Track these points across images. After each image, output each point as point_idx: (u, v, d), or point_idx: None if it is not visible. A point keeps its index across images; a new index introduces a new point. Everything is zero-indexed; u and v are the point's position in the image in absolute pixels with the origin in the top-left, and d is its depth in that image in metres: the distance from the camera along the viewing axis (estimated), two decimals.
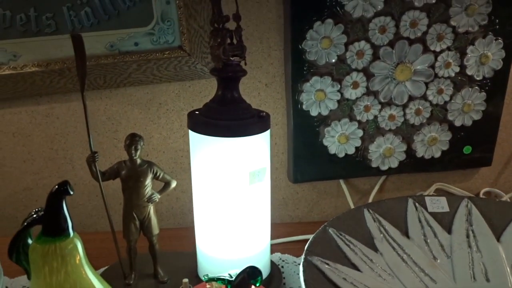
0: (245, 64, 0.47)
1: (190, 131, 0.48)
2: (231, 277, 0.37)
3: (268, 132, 0.49)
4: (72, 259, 0.36)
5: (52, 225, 0.35)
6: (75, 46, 0.43)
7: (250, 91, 0.71)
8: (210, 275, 0.39)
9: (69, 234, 0.36)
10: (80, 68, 0.44)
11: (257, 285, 0.34)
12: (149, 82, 0.69)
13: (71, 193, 0.35)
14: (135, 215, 0.51)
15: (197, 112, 0.49)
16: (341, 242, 0.51)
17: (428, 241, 0.54)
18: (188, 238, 0.56)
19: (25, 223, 0.35)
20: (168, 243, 0.68)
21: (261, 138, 0.48)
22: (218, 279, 0.38)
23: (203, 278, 0.40)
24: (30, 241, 0.37)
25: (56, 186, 0.35)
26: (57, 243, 0.35)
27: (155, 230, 0.53)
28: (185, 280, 0.51)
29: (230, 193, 0.47)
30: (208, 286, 0.39)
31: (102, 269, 0.59)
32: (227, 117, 0.46)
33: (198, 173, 0.49)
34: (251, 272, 0.34)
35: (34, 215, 0.35)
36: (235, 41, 0.46)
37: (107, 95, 0.70)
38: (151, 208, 0.52)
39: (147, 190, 0.51)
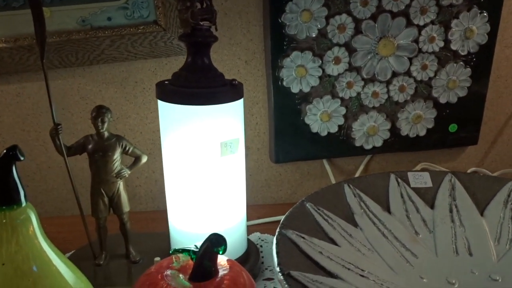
0: (216, 29, 0.45)
1: (159, 102, 0.46)
2: (197, 248, 0.35)
3: (241, 102, 0.47)
4: (24, 229, 0.33)
5: (0, 193, 0.32)
6: (32, 6, 0.41)
7: (229, 69, 0.69)
8: (176, 248, 0.37)
9: (20, 204, 0.34)
10: (39, 33, 0.42)
11: (220, 253, 0.32)
12: (123, 59, 0.66)
13: (21, 158, 0.33)
14: (103, 192, 0.49)
15: (166, 82, 0.47)
16: (319, 217, 0.49)
17: (410, 216, 0.53)
18: (166, 220, 0.54)
19: None
20: (144, 225, 0.66)
21: (234, 107, 0.45)
22: (183, 251, 0.36)
23: (170, 251, 0.38)
24: None
25: (5, 151, 0.32)
26: (6, 212, 0.33)
27: (125, 207, 0.51)
28: (157, 258, 0.49)
29: (201, 164, 0.45)
30: (174, 259, 0.37)
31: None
32: (197, 85, 0.44)
33: (168, 146, 0.47)
34: (215, 240, 0.32)
35: None
36: (204, 5, 0.44)
37: (80, 73, 0.68)
38: (121, 184, 0.50)
39: (115, 165, 0.48)
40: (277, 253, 0.40)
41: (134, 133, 0.71)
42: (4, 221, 0.33)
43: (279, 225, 0.44)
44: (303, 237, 0.44)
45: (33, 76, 0.67)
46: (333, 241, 0.46)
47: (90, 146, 0.48)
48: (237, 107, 0.46)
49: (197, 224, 0.48)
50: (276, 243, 0.41)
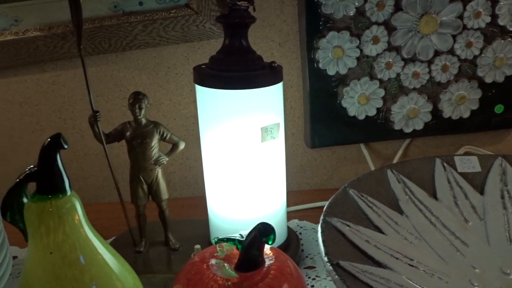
0: (254, 10, 0.43)
1: (196, 86, 0.45)
2: (242, 237, 0.34)
3: (281, 85, 0.45)
4: (70, 218, 0.33)
5: (46, 182, 0.32)
6: None
7: (262, 52, 0.67)
8: (221, 237, 0.36)
9: (65, 192, 0.33)
10: (76, 18, 0.41)
11: (270, 243, 0.30)
12: (156, 44, 0.65)
13: (65, 146, 0.32)
14: (142, 179, 0.49)
15: (203, 66, 0.45)
16: (363, 204, 0.47)
17: (459, 202, 0.50)
18: (202, 207, 0.53)
19: (17, 180, 0.32)
20: (181, 212, 0.66)
21: (273, 91, 0.44)
22: (228, 240, 0.35)
23: (212, 241, 0.37)
24: (26, 201, 0.34)
25: (49, 139, 0.32)
26: (52, 201, 0.32)
27: (164, 194, 0.50)
28: (197, 246, 0.48)
29: (242, 150, 0.44)
30: (218, 248, 0.36)
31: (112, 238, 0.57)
32: (236, 68, 0.43)
33: (207, 132, 0.46)
34: (263, 229, 0.30)
35: (28, 171, 0.32)
36: None
37: (113, 60, 0.67)
38: (159, 172, 0.49)
39: (153, 152, 0.48)
40: (323, 241, 0.38)
41: (167, 120, 0.70)
42: (50, 210, 0.32)
43: (323, 213, 0.43)
44: (348, 225, 0.42)
45: (67, 64, 0.67)
46: (379, 229, 0.44)
47: (128, 133, 0.47)
48: (277, 90, 0.44)
49: (237, 211, 0.47)
50: (321, 232, 0.39)
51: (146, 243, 0.52)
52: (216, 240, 0.36)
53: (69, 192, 0.34)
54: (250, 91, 0.42)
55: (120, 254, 0.51)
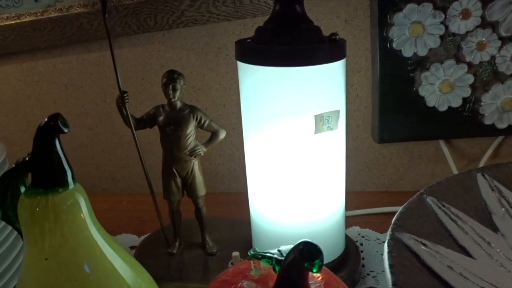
0: None
1: (238, 64, 0.37)
2: (281, 255, 0.26)
3: (343, 63, 0.36)
4: (71, 217, 0.27)
5: (42, 172, 0.26)
6: None
7: (325, 30, 0.57)
8: (259, 251, 0.28)
9: (67, 186, 0.27)
10: None
11: (314, 271, 0.22)
12: (205, 21, 0.59)
13: (65, 130, 0.26)
14: (175, 171, 0.42)
15: (248, 40, 0.38)
16: (445, 217, 0.37)
17: None
18: (243, 204, 0.46)
19: (7, 170, 0.27)
20: (226, 208, 0.59)
21: (333, 70, 0.35)
22: (263, 257, 0.27)
23: (248, 253, 0.29)
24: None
25: (46, 120, 0.26)
26: (49, 196, 0.26)
27: (201, 190, 0.43)
28: (236, 253, 0.41)
29: (291, 143, 0.36)
30: (253, 265, 0.29)
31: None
32: (287, 41, 0.34)
33: (249, 119, 0.38)
34: (306, 252, 0.22)
35: (21, 160, 0.27)
36: None
37: (159, 39, 0.61)
38: (195, 164, 0.42)
39: (189, 141, 0.41)
40: (391, 266, 0.29)
41: (217, 106, 0.64)
42: (46, 206, 0.26)
43: (391, 226, 0.33)
44: (424, 244, 0.33)
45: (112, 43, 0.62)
46: (465, 251, 0.34)
47: (161, 118, 0.41)
48: (337, 69, 0.35)
49: (284, 214, 0.39)
50: (388, 252, 0.30)
51: (181, 244, 0.46)
52: (251, 253, 0.29)
53: (71, 186, 0.28)
54: (304, 69, 0.34)
55: (152, 254, 0.46)
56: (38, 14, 0.60)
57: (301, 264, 0.23)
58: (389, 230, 0.33)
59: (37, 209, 0.26)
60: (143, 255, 0.45)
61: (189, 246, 0.46)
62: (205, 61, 0.62)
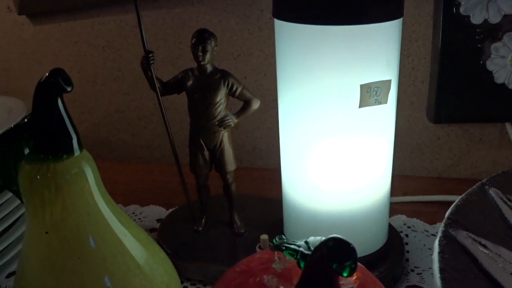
0: None
1: (275, 22, 0.32)
2: (308, 248, 0.22)
3: (398, 24, 0.30)
4: (75, 188, 0.24)
5: (42, 136, 0.23)
6: None
7: None
8: (285, 239, 0.25)
9: (72, 152, 0.24)
10: None
11: (344, 275, 0.18)
12: None
13: (68, 89, 0.23)
14: (203, 143, 0.39)
15: None
16: (510, 213, 0.31)
17: None
18: (279, 182, 0.42)
19: (5, 129, 0.24)
20: (260, 185, 0.55)
21: (386, 31, 0.29)
22: (287, 248, 0.23)
23: (274, 241, 0.25)
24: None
25: (46, 75, 0.23)
26: (50, 163, 0.24)
27: (230, 165, 0.40)
28: (264, 237, 0.37)
29: (331, 116, 0.31)
30: (277, 257, 0.25)
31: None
32: None
33: (285, 88, 0.34)
34: (336, 250, 0.18)
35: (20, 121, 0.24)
36: None
37: (199, 0, 0.57)
38: (225, 136, 0.38)
39: (219, 110, 0.37)
40: (441, 270, 0.24)
41: (257, 75, 0.59)
42: (48, 175, 0.24)
43: (445, 221, 0.28)
44: (484, 245, 0.27)
45: (150, 4, 0.59)
46: None
47: (189, 83, 0.37)
48: (392, 32, 0.30)
49: (319, 197, 0.35)
50: (439, 252, 0.25)
51: (208, 221, 0.43)
52: (276, 242, 0.25)
53: (77, 152, 0.25)
54: (349, 28, 0.28)
55: (177, 229, 0.43)
56: None
57: (329, 265, 0.18)
58: (442, 225, 0.28)
59: (38, 177, 0.24)
60: (167, 230, 0.43)
61: (216, 224, 0.43)
62: (246, 25, 0.57)
